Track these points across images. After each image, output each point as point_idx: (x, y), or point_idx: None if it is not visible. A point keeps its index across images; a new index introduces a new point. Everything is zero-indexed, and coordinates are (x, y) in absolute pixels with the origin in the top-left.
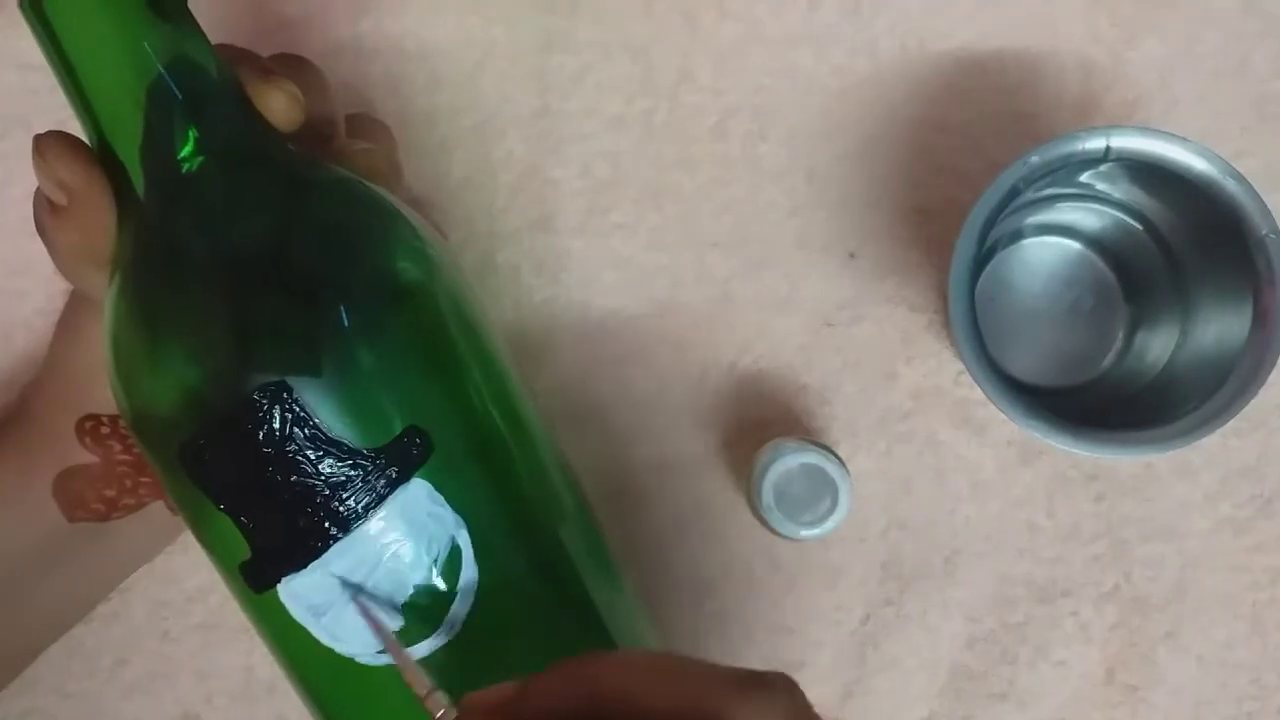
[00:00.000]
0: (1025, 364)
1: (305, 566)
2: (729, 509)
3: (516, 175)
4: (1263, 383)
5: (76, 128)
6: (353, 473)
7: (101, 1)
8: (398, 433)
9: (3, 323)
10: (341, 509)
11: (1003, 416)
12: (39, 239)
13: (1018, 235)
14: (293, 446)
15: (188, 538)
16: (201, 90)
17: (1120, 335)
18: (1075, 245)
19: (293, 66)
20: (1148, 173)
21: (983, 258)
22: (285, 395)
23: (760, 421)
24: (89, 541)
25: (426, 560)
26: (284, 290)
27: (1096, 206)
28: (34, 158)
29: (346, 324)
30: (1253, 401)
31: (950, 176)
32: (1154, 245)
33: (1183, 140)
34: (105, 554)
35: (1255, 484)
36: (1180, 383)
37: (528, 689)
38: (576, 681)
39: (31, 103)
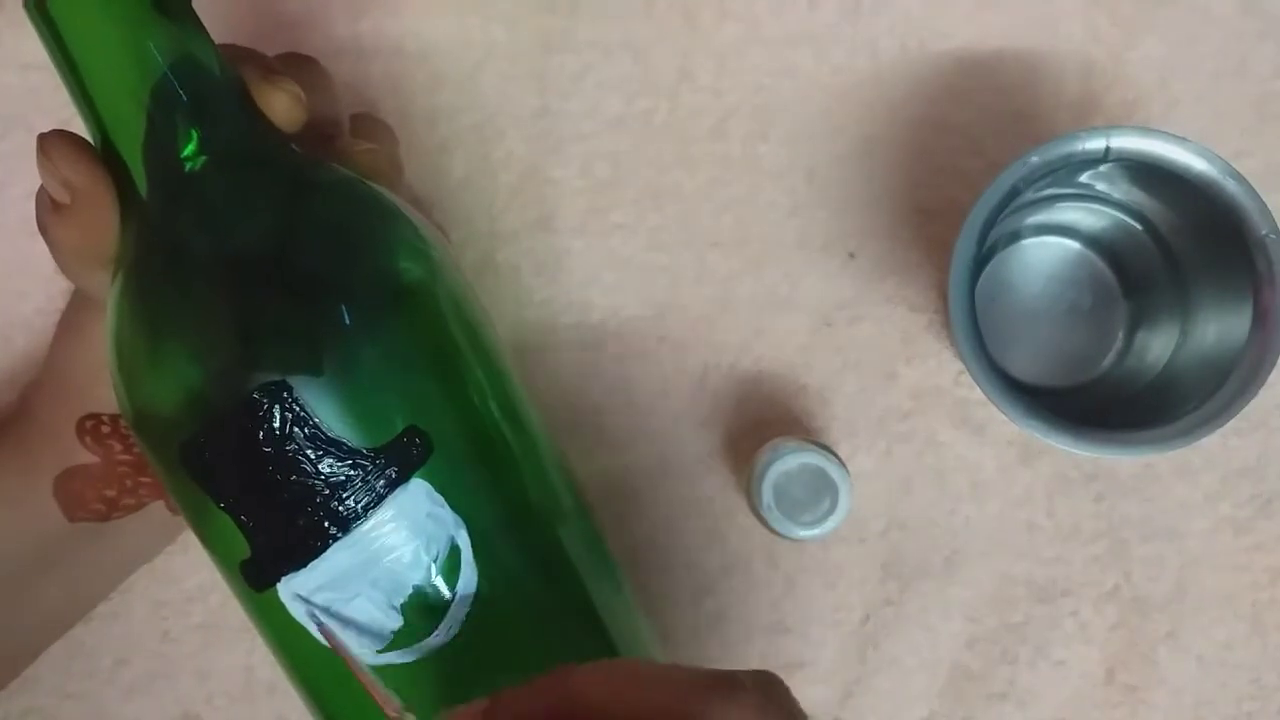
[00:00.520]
0: (1025, 364)
1: (305, 565)
2: (729, 509)
3: (516, 175)
4: (1263, 383)
5: (77, 127)
6: (352, 472)
7: (106, 1)
8: (398, 433)
9: (3, 323)
10: (341, 509)
11: (1003, 416)
12: (39, 239)
13: (1017, 235)
14: (293, 446)
15: (188, 538)
16: (205, 90)
17: (1120, 335)
18: (1075, 245)
19: (298, 66)
20: (1147, 173)
21: (983, 258)
22: (286, 395)
23: (760, 422)
24: (89, 541)
25: (426, 560)
26: (286, 290)
27: (1096, 207)
28: (38, 156)
29: (348, 323)
30: (1253, 401)
31: (950, 176)
32: (1154, 245)
33: (1182, 140)
34: (105, 554)
35: (1255, 484)
36: (1180, 383)
37: (499, 704)
38: (548, 694)
39: (32, 102)
